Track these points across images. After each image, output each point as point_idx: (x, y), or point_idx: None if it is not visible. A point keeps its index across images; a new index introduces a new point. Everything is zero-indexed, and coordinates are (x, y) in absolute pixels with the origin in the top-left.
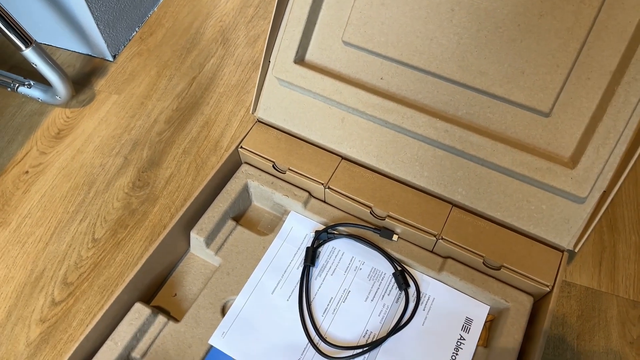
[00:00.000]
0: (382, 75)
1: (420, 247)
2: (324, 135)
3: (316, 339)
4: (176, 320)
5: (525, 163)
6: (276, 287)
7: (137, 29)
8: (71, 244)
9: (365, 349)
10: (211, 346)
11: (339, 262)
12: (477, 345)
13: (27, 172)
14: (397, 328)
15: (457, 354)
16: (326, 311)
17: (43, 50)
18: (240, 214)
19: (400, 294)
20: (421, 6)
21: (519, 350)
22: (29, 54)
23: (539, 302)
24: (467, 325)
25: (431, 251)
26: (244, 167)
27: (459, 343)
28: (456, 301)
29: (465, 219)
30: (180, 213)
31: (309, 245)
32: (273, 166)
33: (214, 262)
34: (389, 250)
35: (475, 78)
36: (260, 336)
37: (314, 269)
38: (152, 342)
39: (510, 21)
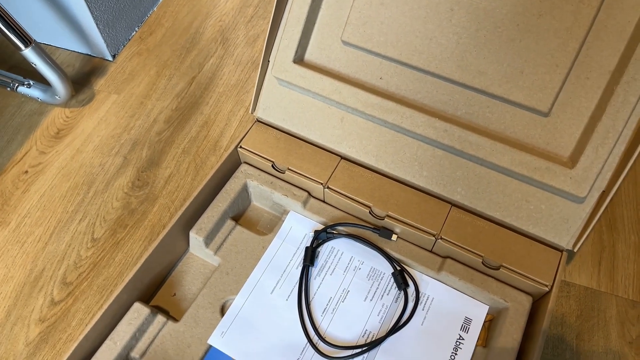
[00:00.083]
0: (381, 75)
1: (419, 246)
2: (323, 135)
3: (315, 338)
4: (175, 320)
5: (524, 163)
6: (275, 286)
7: (136, 28)
8: (70, 244)
9: (364, 348)
10: (210, 346)
11: (338, 262)
12: (476, 345)
13: (26, 171)
14: (396, 328)
15: (456, 354)
16: (325, 311)
17: (42, 50)
18: (239, 214)
19: (399, 293)
20: (420, 6)
21: (518, 350)
22: (29, 53)
23: (538, 301)
24: (466, 325)
25: (430, 251)
26: (243, 167)
27: (458, 343)
28: (455, 301)
29: (464, 218)
30: (180, 213)
31: (308, 245)
32: (272, 166)
33: (213, 262)
34: (388, 250)
35: (474, 78)
36: (259, 336)
37: (313, 268)
38: (151, 342)
39: (509, 21)
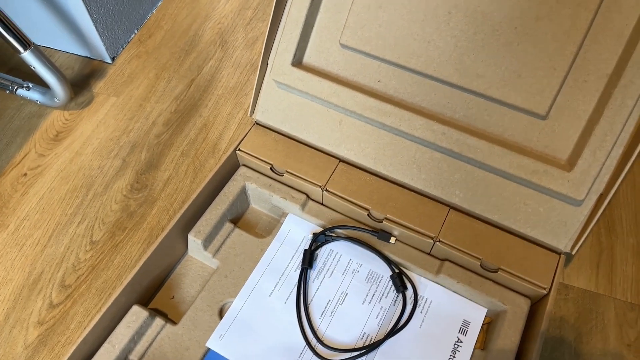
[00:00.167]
0: (379, 78)
1: (417, 249)
2: (321, 137)
3: (313, 341)
4: (174, 322)
5: (523, 166)
6: (274, 289)
7: (135, 31)
8: (69, 247)
9: (362, 351)
10: (208, 349)
11: (336, 265)
12: (475, 348)
13: (25, 174)
14: (394, 330)
15: (454, 357)
16: (324, 314)
17: (41, 53)
18: (238, 217)
19: (397, 296)
20: (418, 9)
21: (516, 352)
22: (27, 56)
23: (536, 304)
24: (464, 328)
25: (429, 254)
26: (242, 170)
27: (456, 346)
28: (453, 304)
29: (462, 221)
30: (178, 215)
31: (307, 247)
32: (271, 168)
33: (211, 265)
34: (387, 253)
35: (472, 81)
36: (257, 339)
37: (312, 271)
38: (150, 345)
39: (507, 24)
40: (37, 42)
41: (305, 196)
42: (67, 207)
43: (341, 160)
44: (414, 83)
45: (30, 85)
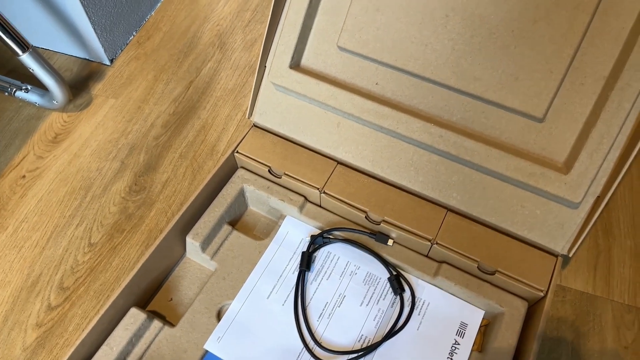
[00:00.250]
0: (377, 81)
1: (415, 251)
2: (319, 140)
3: (311, 343)
4: (172, 325)
5: (520, 168)
6: (272, 291)
7: (134, 33)
8: (67, 249)
9: (360, 353)
10: (206, 351)
11: (334, 267)
12: (472, 350)
13: (24, 176)
14: (392, 333)
15: (451, 359)
16: (321, 316)
17: (40, 55)
18: (236, 219)
19: (395, 298)
20: (416, 12)
21: (513, 354)
22: (26, 59)
23: (533, 306)
24: (461, 330)
25: (426, 256)
26: (240, 172)
27: (453, 348)
28: (451, 306)
29: (460, 223)
30: (176, 218)
31: (305, 249)
32: (269, 171)
33: (209, 267)
34: (384, 255)
35: (469, 84)
36: (255, 341)
37: (310, 273)
38: (148, 347)
39: (504, 27)
40: (36, 44)
41: (303, 198)
42: (65, 209)
43: (339, 162)
44: (412, 86)
45: (29, 87)
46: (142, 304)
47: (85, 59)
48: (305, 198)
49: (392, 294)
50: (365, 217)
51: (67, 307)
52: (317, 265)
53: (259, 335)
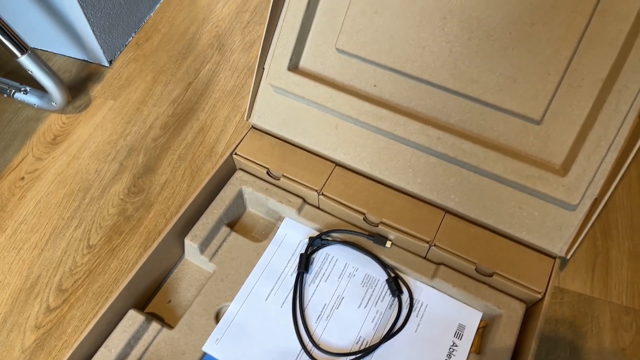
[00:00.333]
0: (375, 83)
1: (413, 253)
2: (317, 141)
3: (309, 345)
4: (170, 326)
5: (517, 170)
6: (270, 293)
7: (133, 34)
8: (66, 251)
9: (358, 355)
10: (205, 353)
11: (332, 269)
12: (470, 352)
13: (22, 178)
14: (390, 335)
15: None
16: (320, 318)
17: (39, 57)
18: (234, 220)
19: (393, 300)
20: (413, 14)
21: (511, 356)
22: (25, 61)
23: (531, 308)
24: (459, 332)
25: (424, 258)
26: (239, 174)
27: (451, 350)
28: (449, 308)
29: (458, 225)
30: (175, 220)
31: (303, 251)
32: (267, 172)
33: (208, 269)
34: (383, 257)
35: (467, 86)
36: (253, 343)
37: (308, 275)
38: (146, 349)
39: (501, 30)
40: (35, 46)
41: (301, 200)
42: (64, 210)
43: (337, 164)
44: (410, 88)
45: (28, 89)
46: (140, 306)
47: (84, 60)
48: (304, 200)
49: (390, 295)
50: (364, 219)
51: (66, 309)
52: (315, 267)
53: (257, 337)
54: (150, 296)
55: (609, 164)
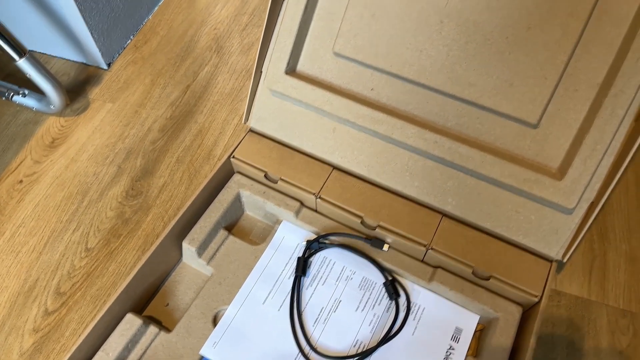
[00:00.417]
0: (372, 86)
1: (410, 256)
2: (315, 145)
3: (307, 349)
4: (168, 330)
5: (514, 174)
6: (267, 296)
7: (131, 37)
8: (64, 254)
9: (355, 358)
10: (202, 356)
11: (330, 272)
12: (467, 355)
13: (21, 181)
14: (387, 338)
15: None
16: (317, 321)
17: (37, 61)
18: (232, 223)
19: (390, 303)
20: (411, 18)
21: (508, 359)
22: (23, 64)
23: (528, 311)
24: (456, 335)
25: (421, 261)
26: (236, 177)
27: (448, 353)
28: (446, 311)
29: (455, 229)
30: (172, 223)
31: (301, 254)
32: (265, 176)
33: (206, 272)
34: (380, 260)
35: (464, 90)
36: (251, 346)
37: (306, 278)
38: (144, 353)
39: (498, 34)
40: (33, 48)
41: (299, 203)
42: (62, 214)
43: (335, 167)
44: (407, 91)
45: (26, 92)
46: (138, 309)
47: (83, 63)
48: (301, 203)
49: (388, 299)
50: (361, 222)
51: (64, 312)
52: (313, 270)
53: (255, 340)
54: (148, 299)
55: (606, 168)
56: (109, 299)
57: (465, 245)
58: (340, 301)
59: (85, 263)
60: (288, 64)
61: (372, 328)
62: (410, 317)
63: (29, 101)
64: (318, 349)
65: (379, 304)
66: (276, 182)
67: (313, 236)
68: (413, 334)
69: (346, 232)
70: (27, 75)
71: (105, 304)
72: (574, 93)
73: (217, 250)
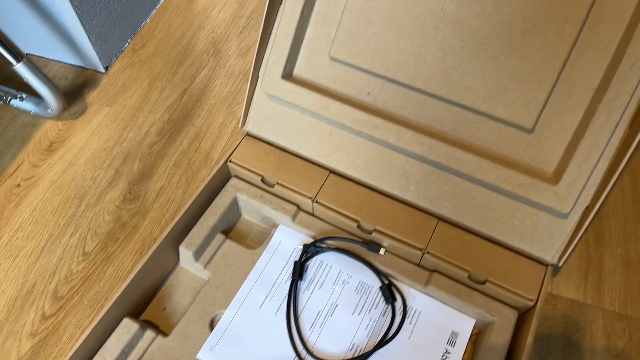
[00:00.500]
0: (368, 91)
1: (407, 260)
2: (312, 149)
3: (303, 353)
4: (165, 334)
5: (509, 179)
6: (264, 301)
7: (129, 40)
8: (62, 258)
9: None
10: None
11: (326, 276)
12: (463, 359)
13: (19, 185)
14: (383, 342)
15: None
16: (314, 325)
17: (34, 65)
18: (229, 227)
19: (387, 307)
20: (406, 23)
21: None
22: (20, 69)
23: (523, 315)
24: (452, 339)
25: (418, 265)
26: (233, 181)
27: (444, 357)
28: (442, 315)
29: (451, 233)
30: (170, 227)
31: (298, 258)
32: (262, 180)
33: (203, 276)
34: (376, 264)
35: (460, 94)
36: (248, 350)
37: (302, 282)
38: (141, 357)
39: (493, 38)
40: (30, 52)
41: (295, 207)
42: (60, 218)
43: (331, 171)
44: (403, 96)
45: (24, 95)
46: (135, 313)
47: (80, 66)
48: (298, 207)
49: (384, 302)
50: (357, 226)
51: (62, 317)
52: (309, 274)
53: (252, 344)
54: (145, 303)
55: (601, 173)
56: (106, 303)
57: (461, 249)
58: (336, 305)
59: (82, 267)
60: (285, 68)
61: (369, 332)
62: (407, 321)
63: (27, 105)
64: (315, 353)
65: (375, 308)
66: (273, 186)
67: (310, 240)
68: (409, 338)
69: (343, 236)
70: (25, 80)
71: (102, 308)
72: (569, 98)
73: (214, 254)
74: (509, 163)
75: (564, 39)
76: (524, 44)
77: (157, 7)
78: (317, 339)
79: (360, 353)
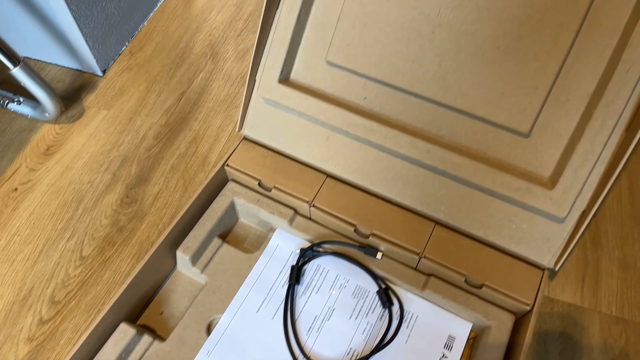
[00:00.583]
0: (365, 95)
1: (404, 264)
2: (309, 153)
3: (300, 357)
4: (162, 339)
5: (506, 183)
6: (261, 305)
7: (126, 43)
8: (59, 262)
9: None
10: None
11: (323, 280)
12: None
13: (16, 189)
14: (380, 346)
15: None
16: (311, 329)
17: (31, 69)
18: (227, 231)
19: (384, 311)
20: (403, 28)
21: None
22: (17, 73)
23: (520, 319)
24: (449, 343)
25: (415, 269)
26: (230, 185)
27: None
28: (439, 319)
29: (448, 237)
30: (167, 232)
31: (295, 263)
32: (259, 184)
33: (200, 280)
34: (373, 268)
35: (456, 99)
36: (245, 355)
37: (299, 286)
38: None
39: (489, 43)
40: (28, 55)
41: (292, 211)
42: (57, 222)
43: (328, 175)
44: (399, 100)
45: (21, 99)
46: (132, 318)
47: (78, 69)
48: (295, 211)
49: (381, 307)
50: (354, 230)
51: (59, 321)
52: (306, 278)
53: (249, 349)
54: (142, 308)
55: (597, 177)
56: (103, 307)
57: (458, 254)
58: (333, 309)
59: (79, 271)
60: (281, 72)
61: (366, 336)
62: (404, 325)
63: (24, 109)
64: (312, 358)
65: (373, 312)
66: (270, 190)
67: (307, 244)
68: (406, 342)
69: (340, 240)
70: (22, 84)
71: (99, 313)
72: (565, 103)
73: (211, 258)
74: (505, 167)
75: (560, 45)
76: (520, 49)
77: (155, 10)
78: (314, 343)
79: (358, 357)
